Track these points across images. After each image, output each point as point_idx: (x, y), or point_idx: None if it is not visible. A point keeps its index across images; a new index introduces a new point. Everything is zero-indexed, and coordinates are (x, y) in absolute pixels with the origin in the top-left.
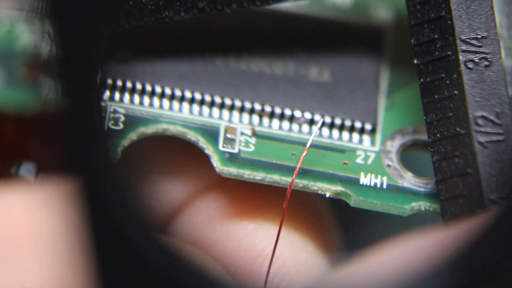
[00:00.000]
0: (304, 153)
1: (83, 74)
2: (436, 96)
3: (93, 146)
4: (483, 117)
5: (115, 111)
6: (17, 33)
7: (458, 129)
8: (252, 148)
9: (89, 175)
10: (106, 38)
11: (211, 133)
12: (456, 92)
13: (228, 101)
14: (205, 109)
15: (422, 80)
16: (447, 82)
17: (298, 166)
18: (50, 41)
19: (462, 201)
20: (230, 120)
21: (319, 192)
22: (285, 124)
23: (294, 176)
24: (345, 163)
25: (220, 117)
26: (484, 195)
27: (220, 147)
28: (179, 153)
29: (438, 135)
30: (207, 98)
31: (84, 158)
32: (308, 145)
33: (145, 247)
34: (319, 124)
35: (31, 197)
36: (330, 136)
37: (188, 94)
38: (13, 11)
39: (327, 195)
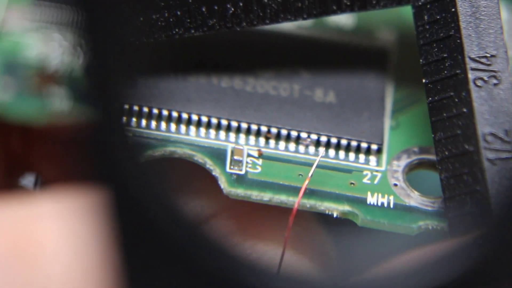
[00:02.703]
0: (306, 183)
1: (113, 82)
2: (444, 114)
3: (122, 154)
4: (491, 134)
5: None
6: (28, 43)
7: (466, 147)
8: (259, 169)
9: (119, 183)
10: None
11: (218, 155)
12: (464, 110)
13: (234, 123)
14: (212, 131)
15: (430, 98)
16: (456, 100)
17: (301, 193)
18: (82, 51)
19: (470, 218)
20: (236, 142)
21: (327, 212)
22: (291, 145)
23: (298, 198)
24: (352, 183)
25: (227, 139)
26: (493, 212)
27: (227, 169)
28: (186, 175)
29: (447, 153)
30: (214, 120)
31: (114, 166)
32: (310, 175)
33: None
34: (319, 158)
35: (48, 208)
36: (337, 157)
37: (195, 117)
38: (24, 21)
39: (335, 215)
